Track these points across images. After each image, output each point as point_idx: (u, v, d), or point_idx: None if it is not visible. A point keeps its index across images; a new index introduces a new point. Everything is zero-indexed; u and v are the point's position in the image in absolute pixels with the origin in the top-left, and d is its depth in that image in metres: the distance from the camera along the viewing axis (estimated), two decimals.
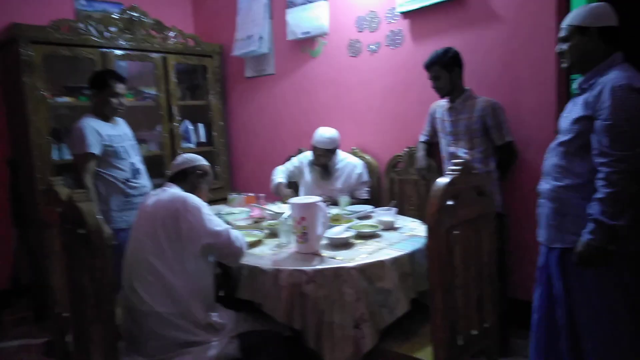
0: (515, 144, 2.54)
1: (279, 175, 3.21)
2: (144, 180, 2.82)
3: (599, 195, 1.60)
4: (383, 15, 3.12)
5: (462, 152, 2.56)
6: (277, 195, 3.12)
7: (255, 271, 1.87)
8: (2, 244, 3.34)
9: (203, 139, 4.14)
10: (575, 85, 1.81)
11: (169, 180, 2.02)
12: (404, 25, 3.03)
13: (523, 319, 2.28)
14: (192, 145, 4.01)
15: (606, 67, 1.69)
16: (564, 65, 1.82)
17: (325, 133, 2.99)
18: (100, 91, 2.68)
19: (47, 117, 3.07)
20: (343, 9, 3.34)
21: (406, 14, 3.00)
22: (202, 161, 2.08)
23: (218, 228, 1.84)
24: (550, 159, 1.83)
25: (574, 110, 1.76)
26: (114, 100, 2.68)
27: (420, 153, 2.86)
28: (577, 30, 1.71)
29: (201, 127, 4.13)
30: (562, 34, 1.77)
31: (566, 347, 1.79)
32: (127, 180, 2.70)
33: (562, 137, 1.79)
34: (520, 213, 2.67)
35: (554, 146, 1.83)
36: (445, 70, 2.51)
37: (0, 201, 3.30)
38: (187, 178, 2.02)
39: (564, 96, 2.49)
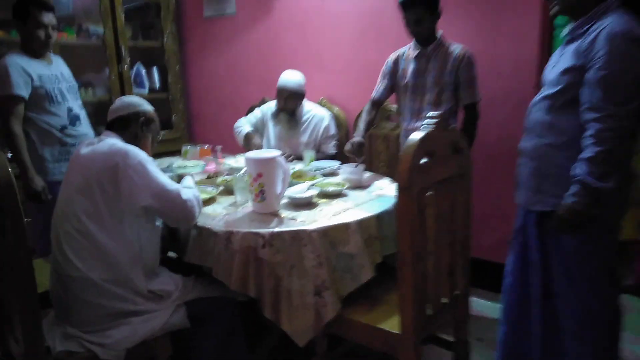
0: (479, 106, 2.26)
1: (245, 125, 2.94)
2: (85, 128, 2.49)
3: (586, 154, 1.44)
4: None
5: (428, 109, 2.21)
6: (246, 148, 2.74)
7: (205, 233, 1.67)
8: None
9: (157, 84, 3.79)
10: (565, 31, 1.62)
11: (107, 128, 1.74)
12: None
13: (494, 281, 2.20)
14: (145, 91, 3.66)
15: (601, 11, 1.50)
16: (554, 10, 1.62)
17: (292, 76, 2.73)
18: (24, 22, 2.30)
19: None
20: None
21: None
22: (146, 105, 1.80)
23: (167, 187, 1.59)
24: (534, 114, 1.66)
25: (562, 60, 1.58)
26: (40, 32, 2.30)
27: (361, 123, 2.44)
28: None
29: (155, 71, 3.76)
30: None
31: (539, 313, 1.70)
32: (64, 127, 2.37)
33: (547, 90, 1.61)
34: (490, 173, 2.54)
35: (538, 100, 1.66)
36: (429, 12, 2.15)
37: None
38: (129, 126, 1.73)
39: (548, 47, 2.31)
